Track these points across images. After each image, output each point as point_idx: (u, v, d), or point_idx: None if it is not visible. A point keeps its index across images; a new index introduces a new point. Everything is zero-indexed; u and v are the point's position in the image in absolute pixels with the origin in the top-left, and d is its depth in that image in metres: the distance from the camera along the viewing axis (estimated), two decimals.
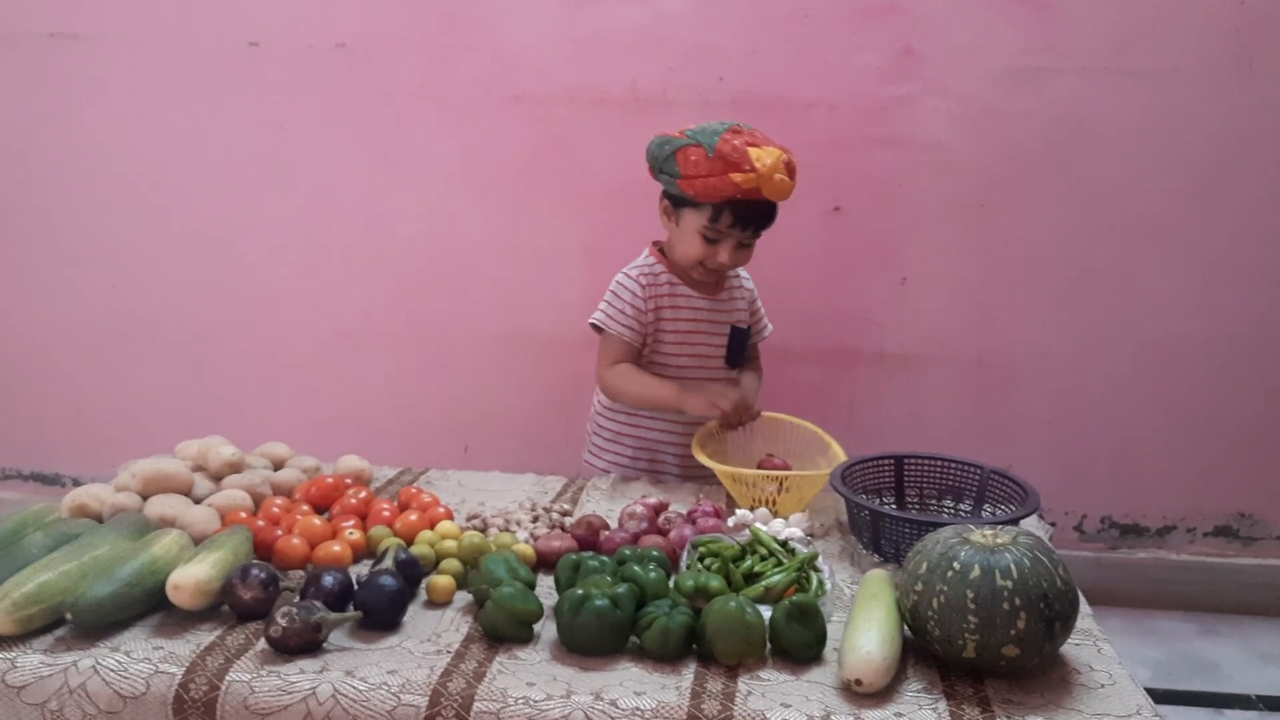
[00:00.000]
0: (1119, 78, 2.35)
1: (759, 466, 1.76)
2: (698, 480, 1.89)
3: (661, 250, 2.00)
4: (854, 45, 2.38)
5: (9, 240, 2.70)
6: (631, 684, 1.12)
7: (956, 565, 1.14)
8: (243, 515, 1.47)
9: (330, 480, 1.62)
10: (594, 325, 1.94)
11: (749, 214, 1.83)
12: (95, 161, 2.62)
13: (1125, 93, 2.36)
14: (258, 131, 2.56)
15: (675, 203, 1.90)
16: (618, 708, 1.08)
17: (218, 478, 1.61)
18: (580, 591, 1.20)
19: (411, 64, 2.48)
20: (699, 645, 1.19)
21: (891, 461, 1.61)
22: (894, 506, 1.60)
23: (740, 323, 2.02)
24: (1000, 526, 1.21)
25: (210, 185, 2.60)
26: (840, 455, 1.72)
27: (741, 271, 2.06)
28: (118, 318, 2.71)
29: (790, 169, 1.80)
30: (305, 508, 1.53)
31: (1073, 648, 1.22)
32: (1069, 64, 2.35)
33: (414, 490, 1.63)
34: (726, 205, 1.81)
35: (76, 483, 2.75)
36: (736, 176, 1.75)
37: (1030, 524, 1.58)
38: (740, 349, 2.02)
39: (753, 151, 1.76)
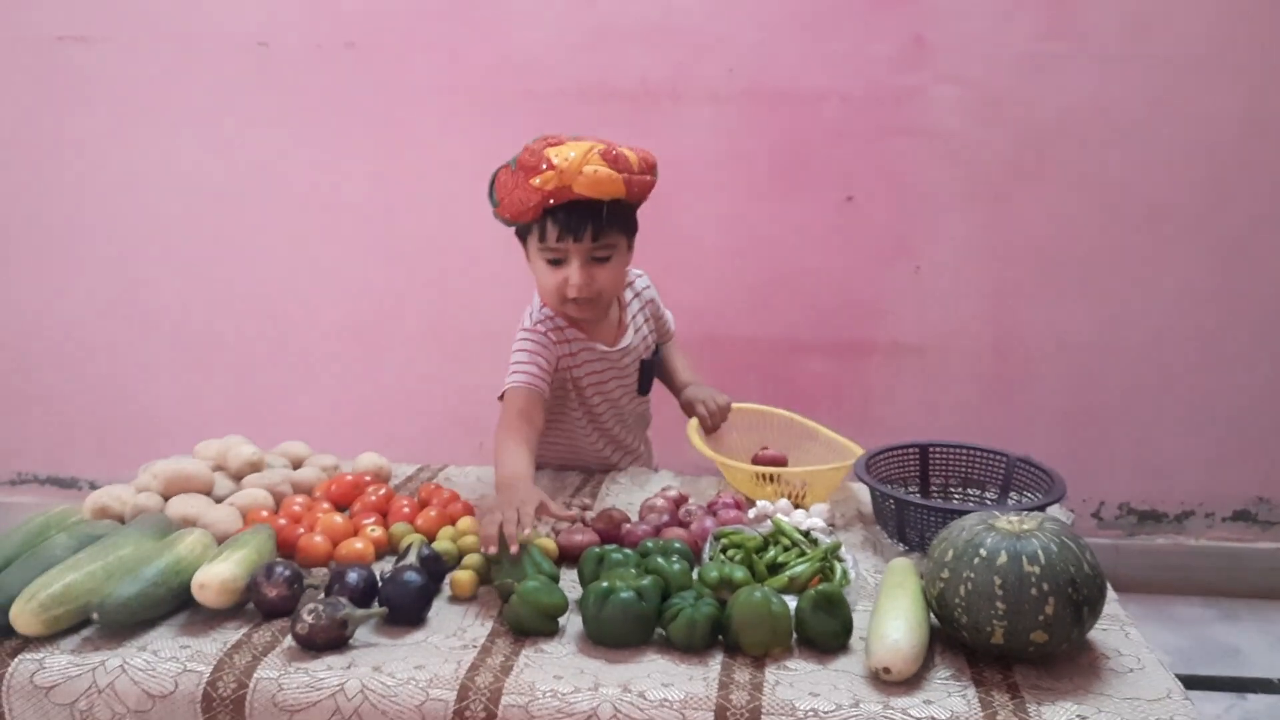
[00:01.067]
0: (1132, 64, 2.34)
1: (754, 460, 1.74)
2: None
3: None
4: (865, 35, 2.37)
5: (23, 243, 2.70)
6: (659, 675, 1.12)
7: (983, 552, 1.14)
8: (264, 514, 1.47)
9: (350, 478, 1.62)
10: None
11: (573, 219, 1.63)
12: (108, 164, 2.62)
13: (1139, 79, 2.35)
14: (268, 131, 2.56)
15: (519, 238, 1.74)
16: (646, 699, 1.08)
17: (238, 477, 1.61)
18: (605, 584, 1.20)
19: (420, 62, 2.48)
20: (725, 636, 1.19)
21: (916, 450, 1.61)
22: (919, 495, 1.59)
23: (647, 351, 1.89)
24: (1025, 513, 1.21)
25: (223, 185, 2.60)
26: (835, 438, 1.73)
27: (638, 279, 1.91)
28: (132, 319, 2.72)
29: (610, 158, 1.60)
30: (326, 506, 1.54)
31: (1100, 633, 1.22)
32: (1082, 50, 2.34)
33: (433, 486, 1.63)
34: (547, 216, 1.64)
35: (93, 486, 2.76)
36: (535, 180, 1.59)
37: (1050, 511, 1.57)
38: (650, 376, 1.92)
39: (550, 151, 1.60)
